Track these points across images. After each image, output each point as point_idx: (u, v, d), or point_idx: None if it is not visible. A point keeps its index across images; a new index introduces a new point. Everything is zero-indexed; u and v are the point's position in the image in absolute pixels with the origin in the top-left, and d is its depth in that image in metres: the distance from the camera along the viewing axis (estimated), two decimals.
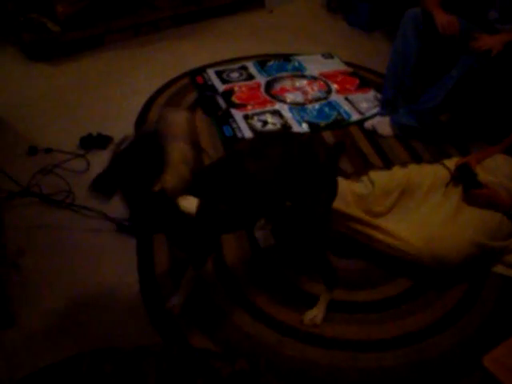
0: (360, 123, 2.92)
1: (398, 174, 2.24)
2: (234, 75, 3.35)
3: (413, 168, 2.27)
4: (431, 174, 2.22)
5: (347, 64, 3.51)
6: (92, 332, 1.87)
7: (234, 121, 2.91)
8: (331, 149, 2.01)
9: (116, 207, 2.31)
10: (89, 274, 2.08)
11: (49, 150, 2.68)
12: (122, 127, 2.85)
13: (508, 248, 2.13)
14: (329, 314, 1.92)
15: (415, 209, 2.17)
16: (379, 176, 2.24)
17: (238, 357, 1.70)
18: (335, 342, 1.85)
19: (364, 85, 3.27)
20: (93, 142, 2.72)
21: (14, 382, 1.63)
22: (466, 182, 2.17)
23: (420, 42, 2.70)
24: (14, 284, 2.02)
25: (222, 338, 1.85)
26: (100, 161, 2.62)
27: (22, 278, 2.05)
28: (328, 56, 3.60)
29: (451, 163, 2.26)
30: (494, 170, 2.24)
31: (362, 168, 2.52)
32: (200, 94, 3.16)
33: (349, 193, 2.17)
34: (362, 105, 3.07)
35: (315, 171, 1.75)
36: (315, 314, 1.91)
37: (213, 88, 3.21)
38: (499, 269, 2.12)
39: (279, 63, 3.50)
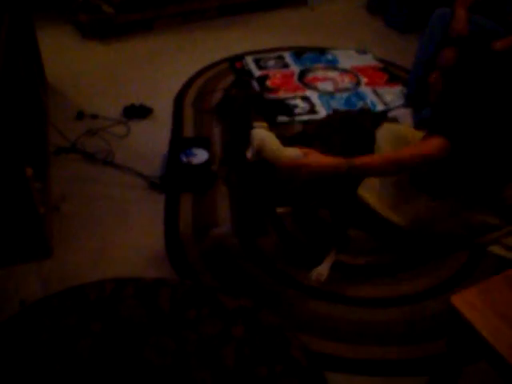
0: (384, 114, 3.09)
1: None
2: (271, 63, 3.57)
3: None
4: None
5: (379, 60, 3.68)
6: (118, 268, 2.11)
7: None
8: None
9: (150, 167, 2.58)
10: (120, 221, 2.33)
11: (95, 116, 2.95)
12: (162, 102, 3.13)
13: (503, 231, 2.27)
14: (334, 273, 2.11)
15: None
16: None
17: (241, 295, 1.91)
18: (335, 296, 2.04)
19: (392, 80, 3.44)
20: (134, 112, 2.98)
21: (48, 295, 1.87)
22: None
23: (443, 36, 2.84)
24: (55, 223, 2.28)
25: (230, 282, 2.07)
26: (140, 128, 2.90)
27: (62, 219, 2.31)
28: (362, 52, 3.78)
29: None
30: None
31: None
32: (237, 77, 3.38)
33: None
34: (388, 97, 3.24)
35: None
36: (321, 271, 2.10)
37: (249, 73, 3.43)
38: (496, 249, 2.25)
39: (314, 55, 3.70)
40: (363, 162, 1.77)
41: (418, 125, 2.95)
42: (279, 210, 2.37)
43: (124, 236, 2.26)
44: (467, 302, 1.37)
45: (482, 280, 1.44)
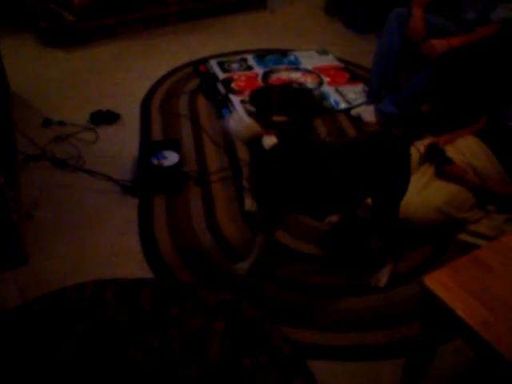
0: (347, 111, 3.19)
1: None
2: (235, 66, 3.63)
3: None
4: None
5: (340, 60, 3.78)
6: (96, 271, 2.12)
7: (232, 105, 3.17)
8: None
9: (121, 171, 2.60)
10: (94, 225, 2.34)
11: (62, 123, 2.94)
12: (129, 106, 3.15)
13: (470, 219, 2.37)
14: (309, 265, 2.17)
15: None
16: None
17: (221, 290, 1.95)
18: (311, 287, 2.10)
19: (354, 79, 3.54)
20: (102, 118, 2.99)
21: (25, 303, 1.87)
22: (436, 159, 2.42)
23: (403, 38, 2.96)
24: (29, 231, 2.27)
25: (208, 279, 2.11)
26: (108, 134, 2.91)
27: (36, 226, 2.30)
28: (322, 52, 3.87)
29: (423, 144, 2.52)
30: (463, 149, 2.49)
31: None
32: (202, 80, 3.43)
33: None
34: (351, 95, 3.34)
35: (395, 162, 1.91)
36: (380, 278, 2.14)
37: (214, 76, 3.47)
38: (463, 236, 2.36)
39: (277, 57, 3.77)
40: (493, 187, 2.36)
41: (381, 119, 3.06)
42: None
43: (99, 239, 2.27)
44: (439, 282, 1.44)
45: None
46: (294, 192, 1.83)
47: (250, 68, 3.62)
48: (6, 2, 3.90)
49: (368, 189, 1.95)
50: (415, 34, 2.87)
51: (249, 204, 2.44)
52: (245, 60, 3.72)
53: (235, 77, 3.47)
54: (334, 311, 2.01)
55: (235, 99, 3.22)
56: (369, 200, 2.07)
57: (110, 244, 2.25)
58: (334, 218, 2.39)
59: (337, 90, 3.39)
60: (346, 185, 1.86)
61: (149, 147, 2.70)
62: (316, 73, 3.59)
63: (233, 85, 3.38)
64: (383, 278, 2.14)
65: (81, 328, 1.77)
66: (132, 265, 2.16)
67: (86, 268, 2.14)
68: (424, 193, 2.29)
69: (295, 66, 3.68)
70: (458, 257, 1.51)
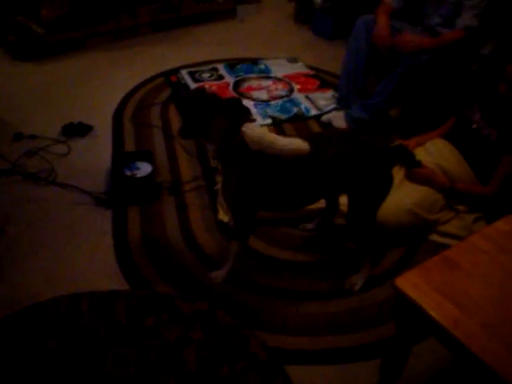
0: (318, 117, 3.23)
1: None
2: (206, 75, 3.65)
3: None
4: None
5: (310, 68, 3.83)
6: (71, 285, 2.09)
7: None
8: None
9: (94, 184, 2.59)
10: (69, 239, 2.32)
11: (33, 137, 2.91)
12: (101, 118, 3.14)
13: (440, 220, 2.42)
14: (283, 271, 2.19)
15: None
16: None
17: (197, 299, 1.96)
18: (286, 293, 2.12)
19: (324, 85, 3.59)
20: (74, 130, 2.97)
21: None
22: (405, 162, 2.46)
23: (370, 45, 3.02)
24: (1, 247, 2.24)
25: (184, 288, 2.10)
26: (80, 146, 2.89)
27: (8, 242, 2.28)
28: (292, 60, 3.92)
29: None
30: (433, 152, 2.54)
31: None
32: (173, 90, 3.43)
33: None
34: (321, 102, 3.38)
35: (375, 164, 1.94)
36: (355, 281, 2.16)
37: (185, 86, 3.48)
38: (434, 237, 2.41)
39: (247, 66, 3.80)
40: (462, 188, 2.42)
41: (351, 125, 3.11)
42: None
43: (74, 253, 2.26)
44: (410, 283, 1.46)
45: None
46: (273, 183, 1.90)
47: (221, 77, 3.64)
48: None
49: (346, 183, 1.98)
50: (381, 40, 2.93)
51: (222, 213, 2.46)
52: (216, 69, 3.74)
53: (206, 86, 3.48)
54: (309, 315, 2.03)
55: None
56: (344, 206, 2.10)
57: (84, 257, 2.24)
58: (309, 225, 2.41)
59: (307, 97, 3.43)
60: (323, 175, 1.92)
61: (122, 158, 2.70)
62: (286, 80, 3.63)
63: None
64: (358, 281, 2.17)
65: (56, 343, 1.76)
66: (107, 277, 2.15)
67: (60, 282, 2.11)
68: (395, 195, 2.33)
69: (266, 74, 3.71)
70: (429, 257, 1.54)
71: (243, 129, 1.80)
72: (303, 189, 1.96)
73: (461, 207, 2.47)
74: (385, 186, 2.00)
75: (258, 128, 1.86)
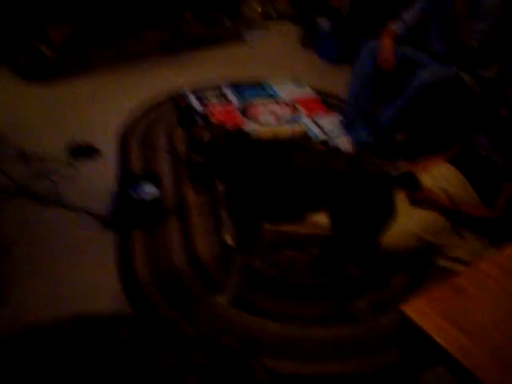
0: (325, 143, 3.23)
1: None
2: (213, 99, 3.66)
3: None
4: None
5: (316, 91, 3.85)
6: (75, 307, 2.09)
7: None
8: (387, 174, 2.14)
9: (100, 205, 2.59)
10: (73, 261, 2.33)
11: (40, 157, 2.92)
12: (108, 140, 3.17)
13: (447, 245, 2.41)
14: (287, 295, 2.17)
15: None
16: None
17: (203, 323, 1.94)
18: (289, 317, 2.11)
19: (329, 109, 3.60)
20: (81, 152, 2.99)
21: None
22: (407, 186, 2.46)
23: (375, 68, 3.03)
24: (7, 269, 2.24)
25: (189, 312, 2.09)
26: (87, 168, 2.91)
27: (14, 264, 2.28)
28: (299, 84, 3.93)
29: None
30: (438, 176, 2.54)
31: None
32: (182, 115, 3.45)
33: None
34: (328, 127, 3.38)
35: (363, 188, 1.94)
36: (359, 306, 2.15)
37: (193, 110, 3.50)
38: (441, 262, 2.39)
39: (254, 90, 3.82)
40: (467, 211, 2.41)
41: (357, 148, 3.11)
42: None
43: (78, 275, 2.25)
44: (417, 310, 1.44)
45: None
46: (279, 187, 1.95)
47: (228, 101, 3.66)
48: None
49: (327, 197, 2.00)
50: (385, 63, 2.94)
51: (228, 237, 2.45)
52: (223, 93, 3.76)
53: (214, 110, 3.50)
54: (313, 340, 2.01)
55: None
56: None
57: (88, 278, 2.24)
58: (315, 250, 2.40)
59: (314, 122, 3.44)
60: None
61: (128, 181, 2.70)
62: (293, 104, 3.64)
63: (213, 118, 3.40)
64: (362, 305, 2.14)
65: (58, 367, 1.74)
66: (111, 299, 2.15)
67: (64, 303, 2.11)
68: (400, 220, 2.32)
69: (273, 97, 3.73)
70: (437, 283, 1.52)
71: None
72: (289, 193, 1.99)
73: (467, 234, 2.46)
74: (378, 213, 1.99)
75: None
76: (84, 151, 3.00)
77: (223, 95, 3.74)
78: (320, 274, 2.33)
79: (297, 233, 2.40)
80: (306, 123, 3.43)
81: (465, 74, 2.88)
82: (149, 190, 2.60)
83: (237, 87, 3.84)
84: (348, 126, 3.23)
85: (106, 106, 3.55)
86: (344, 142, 3.16)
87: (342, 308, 2.15)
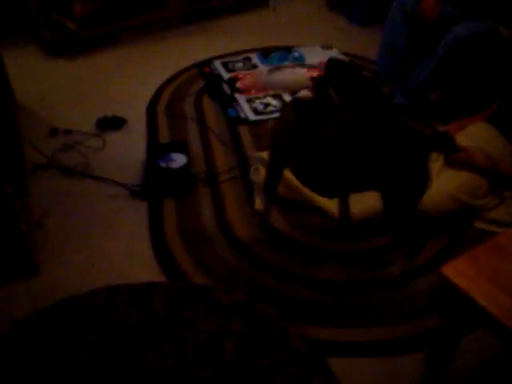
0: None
1: None
2: (239, 65, 3.60)
3: None
4: None
5: (345, 54, 3.74)
6: (108, 277, 2.09)
7: (238, 104, 3.15)
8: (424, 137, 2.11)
9: (129, 176, 2.58)
10: (105, 231, 2.32)
11: (68, 131, 2.92)
12: (135, 111, 3.13)
13: (485, 206, 2.32)
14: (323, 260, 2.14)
15: None
16: None
17: (235, 289, 1.92)
18: (327, 283, 2.07)
19: None
20: (108, 124, 2.98)
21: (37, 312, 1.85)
22: (444, 148, 2.37)
23: (408, 27, 2.91)
24: (39, 240, 2.25)
25: (221, 279, 2.08)
26: (115, 139, 2.90)
27: (46, 235, 2.29)
28: (327, 47, 3.83)
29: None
30: (475, 136, 2.44)
31: None
32: (207, 81, 3.40)
33: None
34: None
35: (406, 157, 1.84)
36: (392, 271, 2.09)
37: (219, 76, 3.45)
38: (480, 224, 2.31)
39: (281, 54, 3.73)
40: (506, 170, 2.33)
41: (389, 111, 3.01)
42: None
43: (110, 245, 2.25)
44: (458, 271, 1.40)
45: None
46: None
47: (254, 67, 3.59)
48: (9, 14, 3.90)
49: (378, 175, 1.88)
50: (431, 11, 2.78)
51: (258, 203, 2.41)
52: (249, 59, 3.69)
53: (240, 76, 3.44)
54: (351, 306, 1.97)
55: (241, 98, 3.20)
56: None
57: (120, 249, 2.23)
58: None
59: None
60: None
61: (156, 150, 2.68)
62: (321, 68, 3.54)
63: (238, 84, 3.35)
64: (395, 272, 2.09)
65: (94, 336, 1.75)
66: (144, 269, 2.14)
67: (97, 274, 2.11)
68: (436, 182, 2.24)
69: (300, 62, 3.64)
70: (475, 245, 1.47)
71: None
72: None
73: (507, 193, 2.37)
74: (418, 178, 1.90)
75: None
76: (112, 123, 2.98)
77: (250, 61, 3.67)
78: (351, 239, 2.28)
79: (310, 201, 2.36)
80: None
81: (504, 28, 2.73)
82: (177, 159, 2.58)
83: (263, 52, 3.76)
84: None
85: (132, 78, 3.51)
86: None
87: (376, 274, 2.10)
